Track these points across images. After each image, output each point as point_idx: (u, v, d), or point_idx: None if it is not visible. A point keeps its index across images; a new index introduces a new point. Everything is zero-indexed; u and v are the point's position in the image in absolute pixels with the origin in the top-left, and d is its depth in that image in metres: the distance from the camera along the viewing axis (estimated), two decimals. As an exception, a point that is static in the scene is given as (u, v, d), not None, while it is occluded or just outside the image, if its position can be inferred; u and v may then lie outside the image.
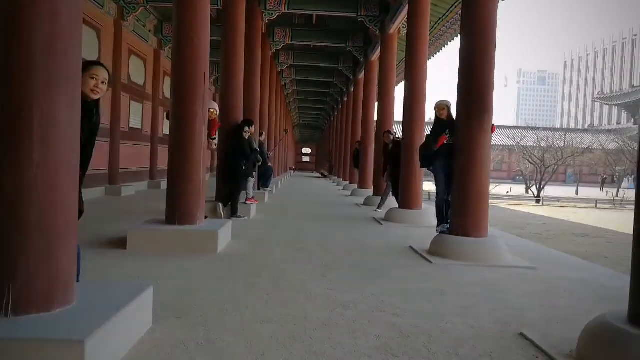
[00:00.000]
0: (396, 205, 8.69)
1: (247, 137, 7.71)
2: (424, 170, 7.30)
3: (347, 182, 18.76)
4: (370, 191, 12.35)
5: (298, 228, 7.16)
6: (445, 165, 5.86)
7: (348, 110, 20.66)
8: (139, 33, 12.89)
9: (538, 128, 52.36)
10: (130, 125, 12.52)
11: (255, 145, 8.22)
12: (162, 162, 12.15)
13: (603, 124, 47.30)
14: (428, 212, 8.29)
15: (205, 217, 5.52)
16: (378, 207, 9.38)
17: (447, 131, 5.83)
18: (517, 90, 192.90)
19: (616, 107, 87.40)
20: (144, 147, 13.20)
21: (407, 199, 8.26)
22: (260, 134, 10.72)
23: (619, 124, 74.22)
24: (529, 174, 37.42)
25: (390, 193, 9.36)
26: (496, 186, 42.06)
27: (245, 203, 8.00)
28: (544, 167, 35.21)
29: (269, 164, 11.49)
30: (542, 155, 35.97)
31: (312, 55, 18.48)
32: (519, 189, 37.72)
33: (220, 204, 7.29)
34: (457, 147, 5.36)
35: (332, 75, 21.38)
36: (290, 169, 38.88)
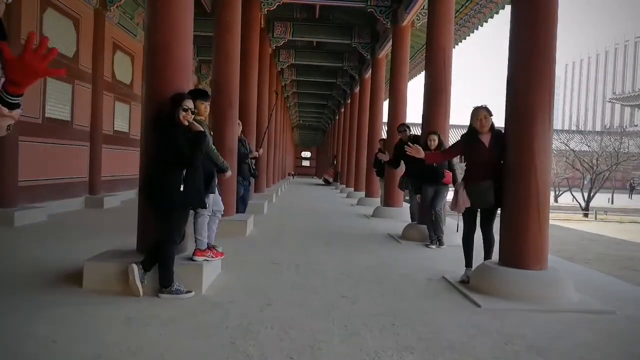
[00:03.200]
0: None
1: (188, 124, 3.74)
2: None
3: (353, 190, 16.56)
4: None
5: (309, 262, 5.84)
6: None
7: (353, 110, 19.52)
8: (126, 26, 11.68)
9: (568, 131, 48.01)
10: (115, 128, 11.34)
11: (209, 141, 4.27)
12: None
13: (614, 126, 45.74)
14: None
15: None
16: (431, 242, 6.42)
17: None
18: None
19: (629, 108, 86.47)
20: (131, 152, 11.95)
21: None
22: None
23: (636, 125, 72.43)
24: (558, 181, 33.29)
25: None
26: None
27: (193, 260, 4.03)
28: (594, 173, 29.50)
29: (252, 173, 7.56)
30: (592, 160, 30.37)
31: (314, 54, 17.42)
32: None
33: (135, 266, 3.60)
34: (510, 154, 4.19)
35: (335, 76, 20.36)
36: (289, 174, 37.01)
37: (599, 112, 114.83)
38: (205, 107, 4.20)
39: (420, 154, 4.82)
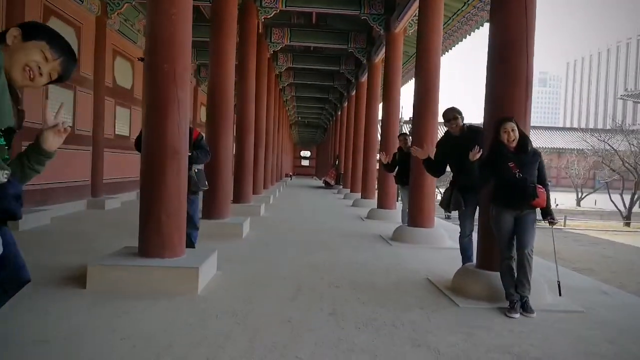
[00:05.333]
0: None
1: None
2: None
3: (360, 198, 14.23)
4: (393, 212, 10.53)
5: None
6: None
7: (350, 112, 19.73)
8: (126, 33, 12.03)
9: (589, 129, 46.30)
10: (117, 132, 11.64)
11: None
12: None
13: (626, 123, 46.05)
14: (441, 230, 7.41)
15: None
16: (511, 307, 3.90)
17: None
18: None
19: (635, 105, 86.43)
20: (132, 156, 12.24)
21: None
22: None
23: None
24: (580, 182, 31.91)
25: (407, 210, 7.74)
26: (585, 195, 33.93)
27: None
28: (638, 175, 26.49)
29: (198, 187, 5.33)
30: (634, 161, 27.41)
31: (311, 57, 17.61)
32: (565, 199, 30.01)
33: None
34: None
35: (332, 79, 20.64)
36: (287, 175, 36.48)
37: (601, 110, 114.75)
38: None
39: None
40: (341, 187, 21.54)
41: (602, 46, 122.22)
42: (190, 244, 5.05)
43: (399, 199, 9.40)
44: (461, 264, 5.09)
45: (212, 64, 7.49)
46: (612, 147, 29.20)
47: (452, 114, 4.97)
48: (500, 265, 4.06)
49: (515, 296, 3.91)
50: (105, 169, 10.67)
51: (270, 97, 15.72)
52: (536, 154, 4.02)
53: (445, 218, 15.28)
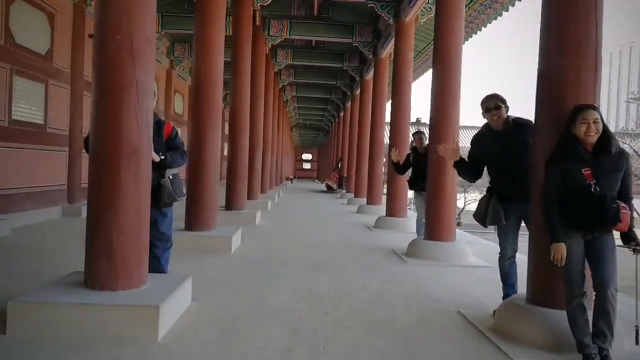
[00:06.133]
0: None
1: None
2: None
3: (366, 204, 13.03)
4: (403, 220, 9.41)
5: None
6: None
7: (354, 113, 18.73)
8: None
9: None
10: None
11: None
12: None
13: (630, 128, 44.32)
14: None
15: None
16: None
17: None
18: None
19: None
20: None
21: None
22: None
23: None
24: None
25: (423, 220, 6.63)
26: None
27: None
28: None
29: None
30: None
31: (314, 55, 16.67)
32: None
33: None
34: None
35: (335, 77, 19.78)
36: (288, 179, 35.21)
37: (612, 113, 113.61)
38: None
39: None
40: (344, 191, 20.40)
41: (605, 50, 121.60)
42: (160, 268, 3.96)
43: (411, 205, 8.27)
44: (502, 292, 4.02)
45: (196, 48, 6.43)
46: (636, 152, 27.12)
47: (494, 102, 3.76)
48: (567, 305, 2.95)
49: (591, 348, 2.83)
50: (83, 171, 9.59)
51: (268, 94, 14.67)
52: (622, 157, 2.87)
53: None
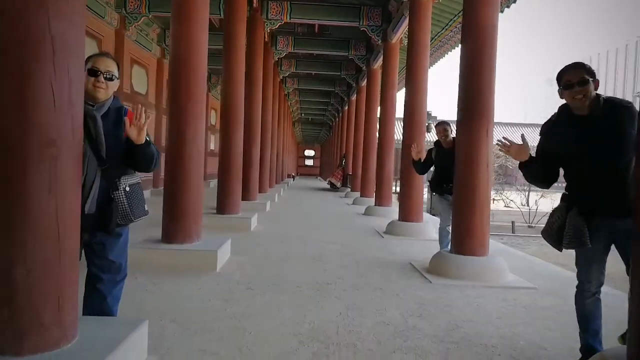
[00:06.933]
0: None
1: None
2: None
3: (374, 205, 11.81)
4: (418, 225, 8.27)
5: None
6: None
7: (350, 114, 18.23)
8: (141, 42, 13.12)
9: None
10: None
11: None
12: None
13: None
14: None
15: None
16: None
17: None
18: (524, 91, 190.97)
19: None
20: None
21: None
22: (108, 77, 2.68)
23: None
24: None
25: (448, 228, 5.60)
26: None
27: None
28: None
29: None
30: None
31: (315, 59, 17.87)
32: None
33: None
34: None
35: (334, 84, 21.05)
36: (290, 175, 34.00)
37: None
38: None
39: None
40: (349, 189, 19.16)
41: (610, 47, 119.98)
42: (105, 309, 2.75)
43: (431, 209, 7.10)
44: (573, 335, 2.94)
45: (174, 17, 5.32)
46: None
47: (579, 75, 2.66)
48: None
49: None
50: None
51: (267, 85, 13.59)
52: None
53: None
